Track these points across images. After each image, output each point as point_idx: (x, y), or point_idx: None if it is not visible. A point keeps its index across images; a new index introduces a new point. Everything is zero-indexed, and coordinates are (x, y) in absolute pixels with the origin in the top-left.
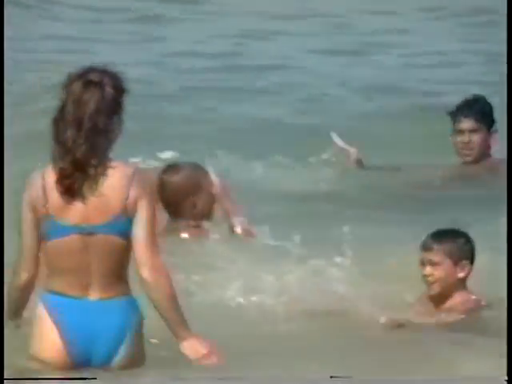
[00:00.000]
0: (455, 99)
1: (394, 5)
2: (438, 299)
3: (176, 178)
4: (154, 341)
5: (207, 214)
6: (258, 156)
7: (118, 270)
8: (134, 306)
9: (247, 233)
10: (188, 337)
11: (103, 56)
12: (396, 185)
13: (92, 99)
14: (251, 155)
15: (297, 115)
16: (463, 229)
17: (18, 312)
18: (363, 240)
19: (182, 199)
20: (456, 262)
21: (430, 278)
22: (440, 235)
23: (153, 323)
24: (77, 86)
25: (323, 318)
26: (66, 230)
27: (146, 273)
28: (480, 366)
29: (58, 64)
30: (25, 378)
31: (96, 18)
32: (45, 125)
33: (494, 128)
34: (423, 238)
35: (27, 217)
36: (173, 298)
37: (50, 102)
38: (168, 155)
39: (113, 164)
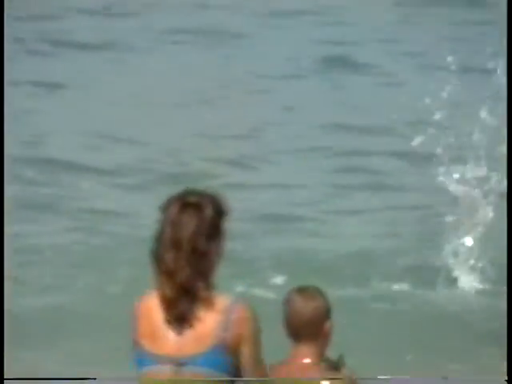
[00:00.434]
0: None
1: None
2: None
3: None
4: None
5: None
6: None
7: None
8: None
9: None
10: None
11: None
12: None
13: (191, 221)
14: None
15: None
16: None
17: None
18: None
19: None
20: None
21: None
22: None
23: None
24: (175, 208)
25: None
26: (156, 360)
27: None
28: None
29: None
30: (25, 378)
31: None
32: None
33: None
34: None
35: None
36: None
37: None
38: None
39: (215, 291)
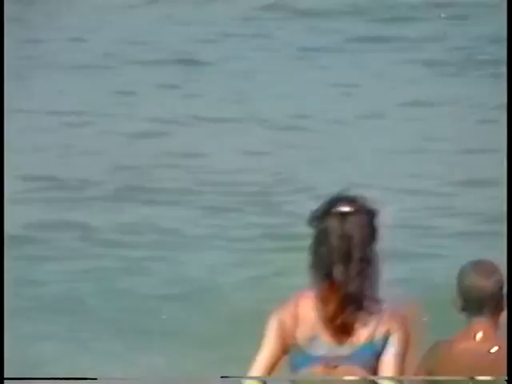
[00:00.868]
0: None
1: None
2: None
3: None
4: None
5: None
6: None
7: None
8: None
9: None
10: None
11: None
12: None
13: (355, 230)
14: None
15: None
16: None
17: None
18: None
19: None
20: None
21: None
22: None
23: None
24: (333, 220)
25: None
26: (312, 360)
27: None
28: None
29: None
30: (25, 378)
31: None
32: None
33: None
34: None
35: (272, 342)
36: None
37: None
38: None
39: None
